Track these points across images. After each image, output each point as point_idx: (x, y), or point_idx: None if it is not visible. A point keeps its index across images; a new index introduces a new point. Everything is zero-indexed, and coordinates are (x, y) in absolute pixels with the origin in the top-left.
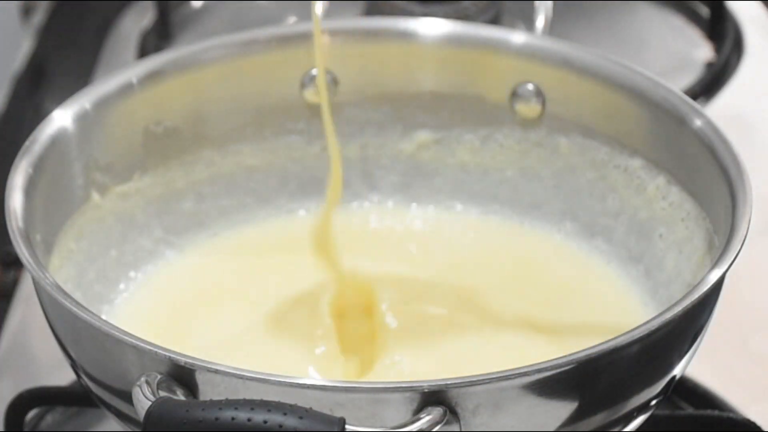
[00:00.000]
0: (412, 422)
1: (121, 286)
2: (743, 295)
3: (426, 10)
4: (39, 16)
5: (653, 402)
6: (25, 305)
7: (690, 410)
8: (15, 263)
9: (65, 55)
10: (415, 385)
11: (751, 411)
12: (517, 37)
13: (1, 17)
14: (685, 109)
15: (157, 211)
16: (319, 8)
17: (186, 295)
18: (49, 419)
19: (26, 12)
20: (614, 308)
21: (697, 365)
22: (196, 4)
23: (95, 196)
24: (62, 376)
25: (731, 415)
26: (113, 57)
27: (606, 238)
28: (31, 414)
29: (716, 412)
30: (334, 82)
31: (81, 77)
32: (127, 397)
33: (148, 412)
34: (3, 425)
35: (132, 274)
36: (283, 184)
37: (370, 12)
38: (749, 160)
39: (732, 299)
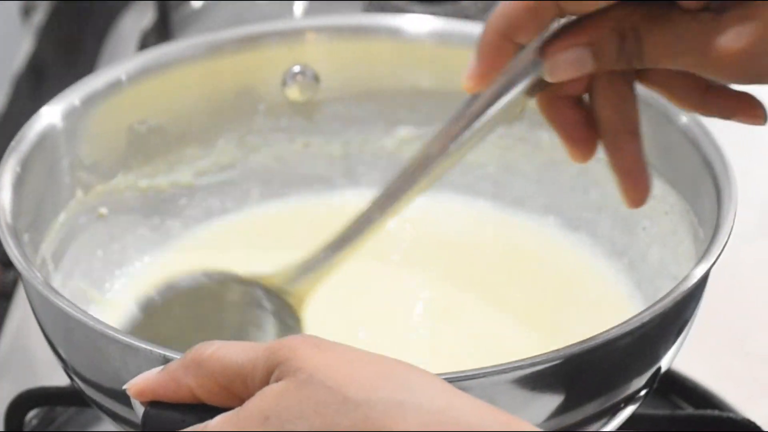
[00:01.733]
0: None
1: (108, 285)
2: (742, 295)
3: (426, 10)
4: (39, 16)
5: (639, 394)
6: (25, 305)
7: (690, 410)
8: None
9: (65, 55)
10: None
11: (751, 411)
12: None
13: (1, 17)
14: (671, 105)
15: (141, 210)
16: (298, 8)
17: None
18: (49, 419)
19: (26, 12)
20: (599, 301)
21: (698, 365)
22: (196, 4)
23: (80, 195)
24: (62, 376)
25: (731, 415)
26: (113, 57)
27: (590, 231)
28: (31, 414)
29: (716, 412)
30: (315, 79)
31: (81, 77)
32: (120, 397)
33: (146, 412)
34: (3, 425)
35: (118, 272)
36: (265, 182)
37: (369, 11)
38: (747, 161)
39: (731, 299)
